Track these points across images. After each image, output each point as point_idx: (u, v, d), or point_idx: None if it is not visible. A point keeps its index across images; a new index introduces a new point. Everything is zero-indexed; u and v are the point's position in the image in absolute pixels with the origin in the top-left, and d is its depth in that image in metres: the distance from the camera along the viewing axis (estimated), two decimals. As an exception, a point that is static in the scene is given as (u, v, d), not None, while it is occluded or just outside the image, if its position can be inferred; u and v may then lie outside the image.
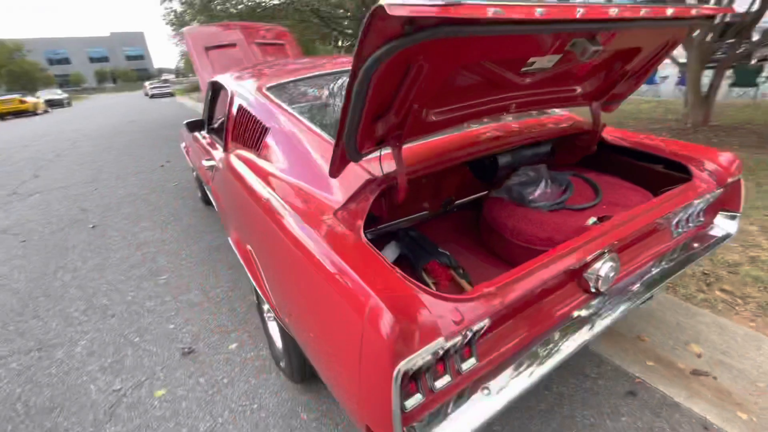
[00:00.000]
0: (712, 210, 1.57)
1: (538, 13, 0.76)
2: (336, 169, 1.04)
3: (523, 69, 1.12)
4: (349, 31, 11.61)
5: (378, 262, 0.88)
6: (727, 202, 1.53)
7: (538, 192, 1.61)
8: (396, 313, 0.72)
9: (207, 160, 2.18)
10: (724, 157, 1.51)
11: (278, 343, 1.75)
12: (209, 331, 2.09)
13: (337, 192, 1.16)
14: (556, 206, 1.47)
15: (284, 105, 1.55)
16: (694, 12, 1.13)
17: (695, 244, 1.47)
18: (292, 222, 1.10)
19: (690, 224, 1.50)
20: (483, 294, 0.85)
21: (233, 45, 4.01)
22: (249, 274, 1.41)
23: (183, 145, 3.92)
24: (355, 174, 1.19)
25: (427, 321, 0.75)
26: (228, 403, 1.64)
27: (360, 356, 0.75)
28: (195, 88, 31.14)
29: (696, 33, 4.92)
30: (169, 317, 2.23)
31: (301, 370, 1.52)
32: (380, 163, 1.13)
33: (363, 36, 0.68)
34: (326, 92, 1.83)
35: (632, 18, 0.95)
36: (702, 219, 1.55)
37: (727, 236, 1.51)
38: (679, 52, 7.80)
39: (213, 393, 1.69)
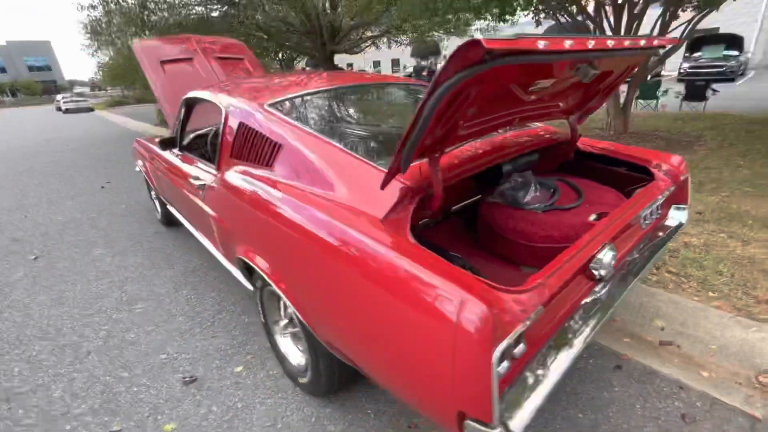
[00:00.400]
0: (666, 204, 1.87)
1: (568, 44, 0.92)
2: (388, 181, 1.12)
3: (530, 88, 1.29)
4: (288, 44, 11.53)
5: (443, 262, 0.97)
6: (678, 197, 1.84)
7: (529, 196, 1.80)
8: (487, 303, 0.82)
9: (195, 179, 2.10)
10: (675, 159, 1.82)
11: (295, 359, 1.74)
12: (208, 357, 2.00)
13: (373, 202, 1.23)
14: (549, 207, 1.67)
15: (295, 122, 1.59)
16: (656, 42, 1.39)
17: (659, 233, 1.75)
18: (340, 233, 1.15)
19: (653, 217, 1.78)
20: (537, 285, 0.98)
21: (190, 59, 3.87)
22: (278, 290, 1.41)
23: (139, 164, 3.66)
24: (375, 179, 1.26)
25: (509, 309, 0.85)
26: (249, 427, 1.59)
27: (453, 349, 0.83)
28: (118, 102, 28.66)
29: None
30: (158, 347, 2.09)
31: (331, 383, 1.53)
32: (420, 172, 1.22)
33: (449, 61, 0.79)
34: (333, 108, 1.89)
35: (620, 47, 1.17)
36: (660, 212, 1.84)
37: (680, 225, 1.81)
38: (596, 69, 8.81)
39: (230, 418, 1.63)
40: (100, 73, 29.44)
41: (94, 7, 9.49)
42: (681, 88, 9.21)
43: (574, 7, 5.84)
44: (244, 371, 1.89)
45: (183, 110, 2.56)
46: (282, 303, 1.79)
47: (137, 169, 3.94)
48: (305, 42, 11.30)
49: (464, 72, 0.81)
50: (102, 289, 2.71)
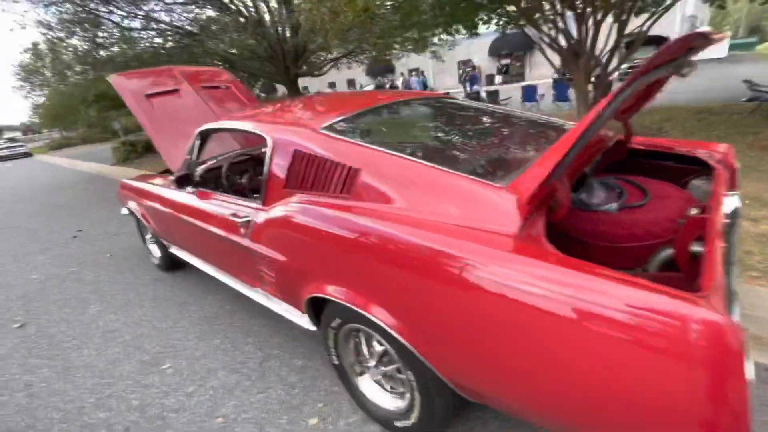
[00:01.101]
0: (720, 191, 1.92)
1: (711, 36, 0.91)
2: (539, 194, 1.04)
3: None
4: (251, 71, 11.33)
5: (624, 274, 0.89)
6: (731, 183, 1.90)
7: (596, 197, 1.79)
8: (724, 316, 0.75)
9: (233, 216, 1.91)
10: (722, 147, 1.89)
11: (386, 402, 1.59)
12: (272, 413, 1.78)
13: (494, 219, 1.14)
14: (625, 206, 1.65)
15: (367, 142, 1.48)
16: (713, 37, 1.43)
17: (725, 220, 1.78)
18: (477, 255, 1.04)
19: (714, 204, 1.82)
20: (716, 287, 0.92)
21: (176, 90, 3.64)
22: (391, 330, 1.26)
23: (132, 206, 3.33)
24: (489, 196, 1.18)
25: (732, 318, 0.79)
26: (353, 487, 1.41)
27: (691, 372, 0.74)
28: (61, 145, 26.72)
29: (583, 56, 6.04)
30: (209, 410, 1.84)
31: (445, 422, 1.40)
32: (553, 184, 1.15)
33: (662, 52, 0.73)
34: (391, 125, 1.79)
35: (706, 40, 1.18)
36: (718, 199, 1.89)
37: (738, 209, 1.86)
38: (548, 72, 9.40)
39: (327, 481, 1.44)
40: (36, 115, 27.50)
41: (36, 46, 8.85)
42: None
43: (539, 16, 6.16)
44: (321, 422, 1.69)
45: (197, 144, 2.36)
46: (361, 341, 1.63)
47: (124, 212, 3.60)
48: (267, 67, 11.16)
49: (669, 65, 0.76)
50: (115, 352, 2.39)
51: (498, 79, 24.72)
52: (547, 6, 6.20)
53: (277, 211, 1.63)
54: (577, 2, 5.86)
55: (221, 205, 2.09)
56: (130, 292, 3.16)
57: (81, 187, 9.14)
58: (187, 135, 3.30)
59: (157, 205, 2.82)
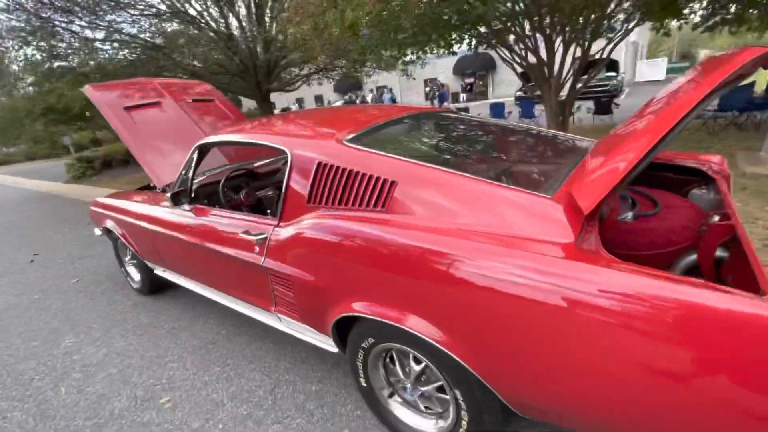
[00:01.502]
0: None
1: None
2: (602, 202, 1.05)
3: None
4: (221, 86, 11.06)
5: (695, 280, 0.91)
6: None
7: (607, 206, 1.85)
8: None
9: (245, 233, 1.79)
10: (716, 159, 2.02)
11: (422, 424, 1.52)
12: (294, 444, 1.66)
13: (546, 230, 1.14)
14: (641, 214, 1.72)
15: (400, 155, 1.45)
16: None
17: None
18: (538, 267, 1.03)
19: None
20: (774, 289, 0.96)
21: (158, 103, 3.46)
22: (444, 348, 1.20)
23: (110, 225, 3.07)
24: (536, 205, 1.19)
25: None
26: None
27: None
28: (1, 162, 24.54)
29: (553, 76, 6.39)
30: (222, 447, 1.68)
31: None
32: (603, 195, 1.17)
33: (739, 64, 0.77)
34: (417, 138, 1.77)
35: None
36: (717, 206, 2.02)
37: (730, 216, 1.99)
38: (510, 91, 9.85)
39: None
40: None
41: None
42: (583, 105, 10.73)
43: (512, 37, 6.47)
44: (350, 451, 1.60)
45: (195, 158, 2.23)
46: (395, 360, 1.56)
47: (97, 233, 3.33)
48: (238, 82, 10.93)
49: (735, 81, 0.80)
50: (101, 388, 2.15)
51: (462, 97, 25.65)
52: (516, 28, 6.55)
53: (304, 226, 1.54)
54: (545, 24, 6.24)
55: (226, 222, 1.97)
56: (108, 320, 2.88)
57: (30, 207, 8.40)
58: (171, 149, 3.14)
59: (144, 224, 2.62)
